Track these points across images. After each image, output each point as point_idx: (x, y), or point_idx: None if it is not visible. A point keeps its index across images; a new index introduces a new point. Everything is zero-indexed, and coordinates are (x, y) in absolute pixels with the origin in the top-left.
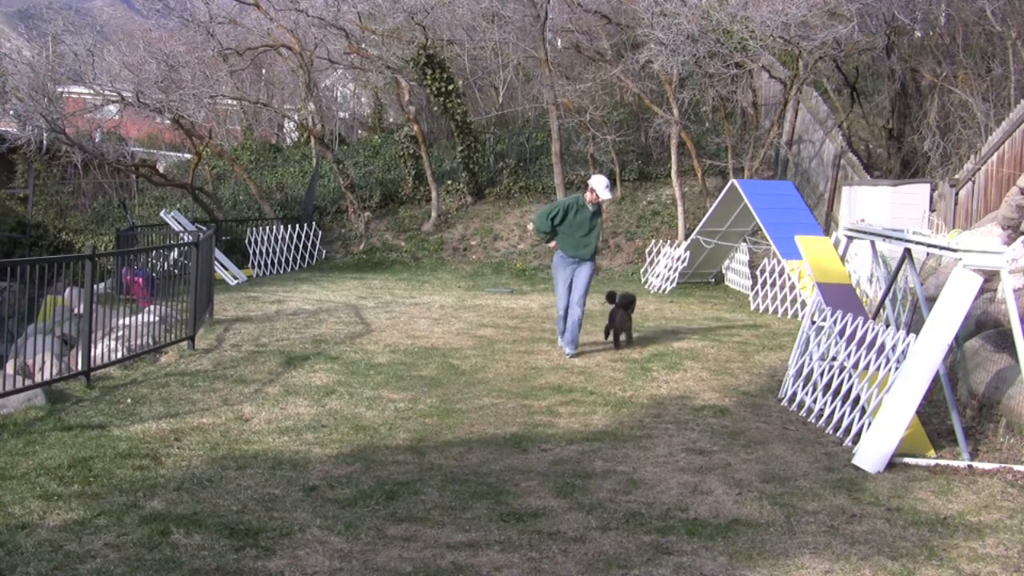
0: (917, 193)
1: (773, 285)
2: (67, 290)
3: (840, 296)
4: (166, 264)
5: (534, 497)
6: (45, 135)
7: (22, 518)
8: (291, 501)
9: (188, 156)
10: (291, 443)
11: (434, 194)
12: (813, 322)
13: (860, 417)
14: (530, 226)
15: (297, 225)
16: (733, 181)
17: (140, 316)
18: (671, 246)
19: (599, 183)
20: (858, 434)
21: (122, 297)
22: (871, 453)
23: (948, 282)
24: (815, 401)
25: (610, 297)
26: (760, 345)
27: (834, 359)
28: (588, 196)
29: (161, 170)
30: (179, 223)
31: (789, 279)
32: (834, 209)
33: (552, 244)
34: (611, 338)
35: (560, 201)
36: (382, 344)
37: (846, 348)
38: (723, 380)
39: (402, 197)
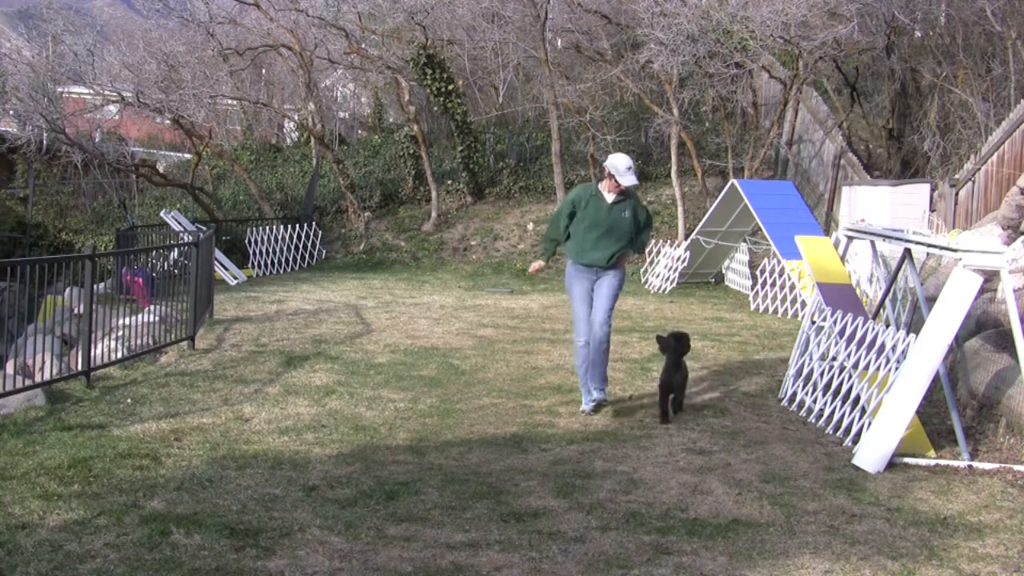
0: (917, 193)
1: (773, 285)
2: (67, 290)
3: (840, 296)
4: (166, 264)
5: (534, 497)
6: (45, 135)
7: (22, 518)
8: (291, 501)
9: (188, 156)
10: (291, 443)
11: (434, 194)
12: (813, 322)
13: (860, 417)
14: (530, 226)
15: (297, 225)
16: (733, 181)
17: (140, 316)
18: (671, 246)
19: (619, 163)
20: (858, 434)
21: (122, 297)
22: (871, 453)
23: (948, 282)
24: (815, 401)
25: (664, 343)
26: (760, 345)
27: (834, 359)
28: (606, 184)
29: (161, 170)
30: (179, 223)
31: (789, 279)
32: (834, 209)
33: (534, 267)
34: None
35: (567, 195)
36: (382, 344)
37: (846, 348)
38: (723, 380)
39: (402, 197)
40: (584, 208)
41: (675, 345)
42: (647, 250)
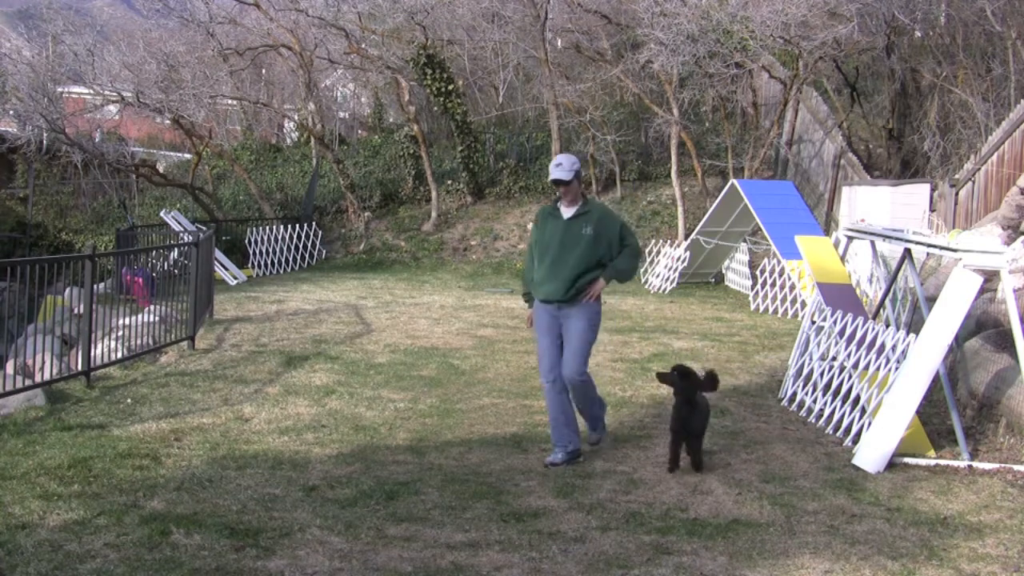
0: (917, 193)
1: (773, 285)
2: (67, 290)
3: (840, 296)
4: (166, 264)
5: (534, 497)
6: (45, 135)
7: (22, 518)
8: (291, 501)
9: (188, 156)
10: (291, 443)
11: (434, 194)
12: (813, 322)
13: (860, 417)
14: (530, 226)
15: (297, 225)
16: (733, 181)
17: (140, 316)
18: (671, 246)
19: (553, 163)
20: (858, 434)
21: (122, 297)
22: (871, 453)
23: (948, 282)
24: (815, 401)
25: (667, 380)
26: (760, 345)
27: (834, 359)
28: (563, 197)
29: (161, 170)
30: (179, 223)
31: (789, 279)
32: (834, 209)
33: (528, 319)
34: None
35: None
36: (382, 344)
37: (846, 348)
38: (723, 380)
39: (402, 197)
40: (542, 232)
41: (680, 383)
42: (647, 250)
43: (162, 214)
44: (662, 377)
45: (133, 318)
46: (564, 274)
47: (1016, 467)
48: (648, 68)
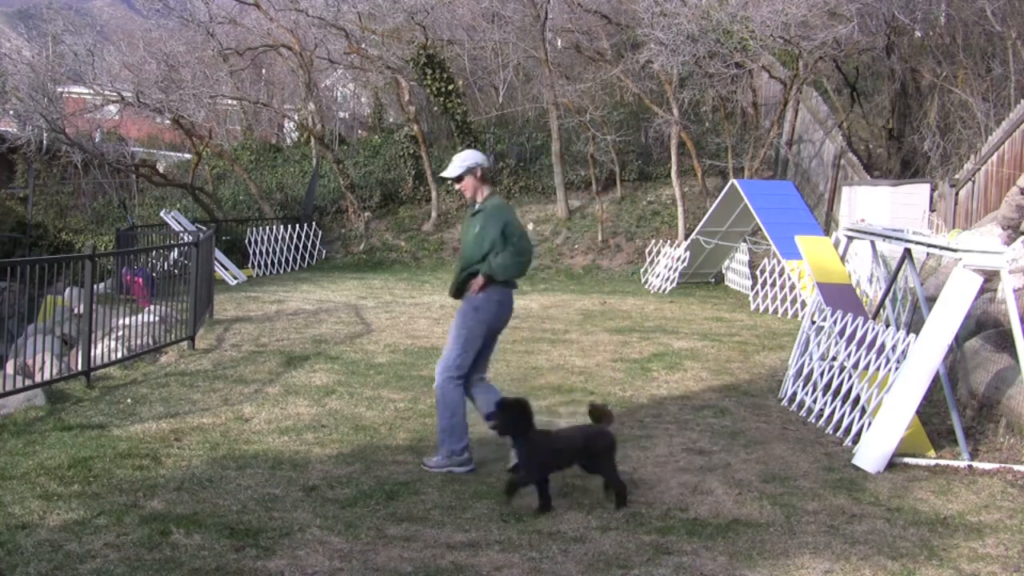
0: (917, 193)
1: (773, 285)
2: (67, 290)
3: (840, 296)
4: (166, 264)
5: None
6: (45, 135)
7: (22, 518)
8: (291, 501)
9: (188, 156)
10: (291, 443)
11: (434, 194)
12: (813, 322)
13: (860, 417)
14: (530, 227)
15: (297, 225)
16: (733, 181)
17: (140, 316)
18: (671, 246)
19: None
20: (858, 434)
21: (122, 297)
22: (871, 453)
23: (948, 282)
24: (815, 401)
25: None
26: (760, 345)
27: (834, 359)
28: None
29: (161, 170)
30: (179, 223)
31: (789, 279)
32: (834, 209)
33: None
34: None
35: None
36: (382, 344)
37: (846, 348)
38: (723, 380)
39: (402, 197)
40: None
41: (503, 426)
42: (647, 250)
43: (162, 214)
44: (490, 419)
45: (133, 318)
46: (457, 272)
47: (1016, 467)
48: (648, 68)
